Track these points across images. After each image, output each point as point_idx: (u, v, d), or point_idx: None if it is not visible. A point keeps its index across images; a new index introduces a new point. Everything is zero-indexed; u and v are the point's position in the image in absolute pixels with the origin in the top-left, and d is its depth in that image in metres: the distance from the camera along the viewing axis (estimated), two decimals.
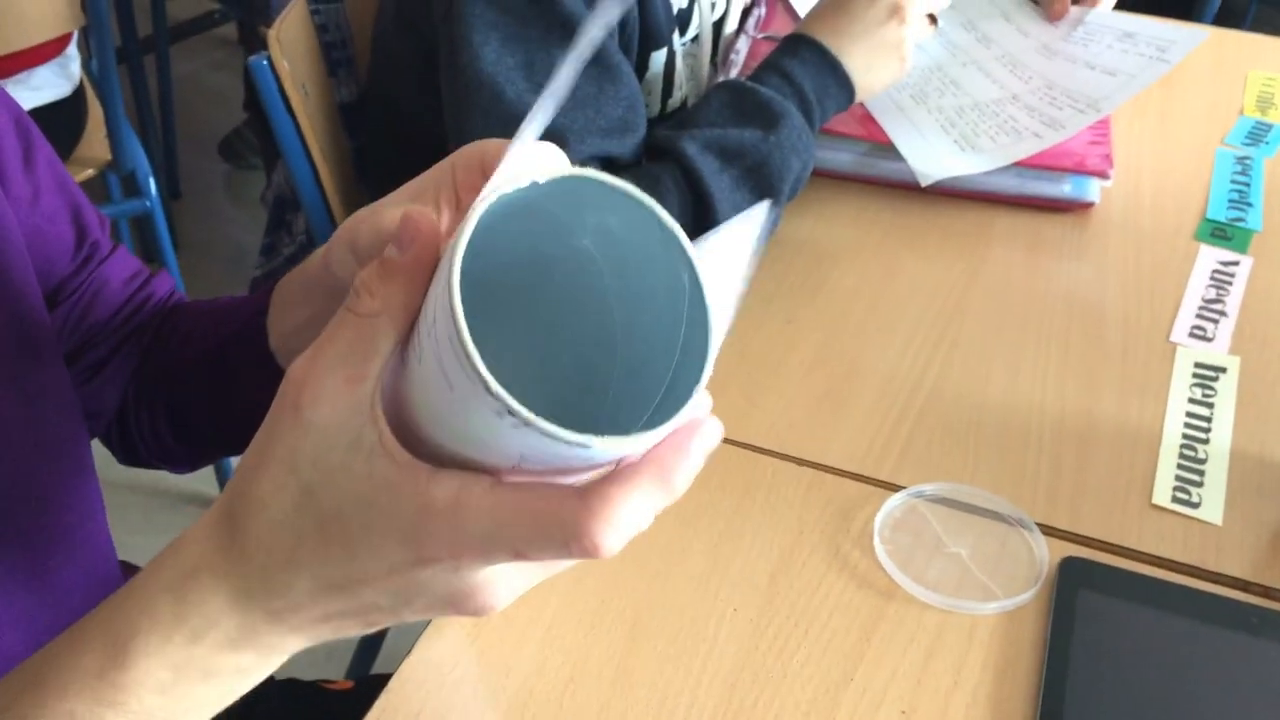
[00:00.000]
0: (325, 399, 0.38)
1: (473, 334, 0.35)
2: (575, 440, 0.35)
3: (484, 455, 0.38)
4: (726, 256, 0.41)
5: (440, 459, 0.39)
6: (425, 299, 0.38)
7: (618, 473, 0.37)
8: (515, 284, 0.42)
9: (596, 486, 0.36)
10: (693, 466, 0.37)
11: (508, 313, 0.43)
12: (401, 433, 0.39)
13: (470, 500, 0.37)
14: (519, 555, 0.37)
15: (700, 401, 0.38)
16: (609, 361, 0.43)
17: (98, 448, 0.71)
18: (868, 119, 1.09)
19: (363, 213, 0.50)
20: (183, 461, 0.78)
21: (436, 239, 0.39)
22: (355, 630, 0.42)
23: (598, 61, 0.93)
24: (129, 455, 0.78)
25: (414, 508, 0.37)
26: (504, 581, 0.41)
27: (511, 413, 0.34)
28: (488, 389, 0.34)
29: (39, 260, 0.67)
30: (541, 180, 0.37)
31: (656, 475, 0.37)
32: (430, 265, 0.39)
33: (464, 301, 0.35)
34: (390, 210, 0.48)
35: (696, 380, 0.38)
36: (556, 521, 0.36)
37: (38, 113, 1.69)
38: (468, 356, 0.34)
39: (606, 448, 0.36)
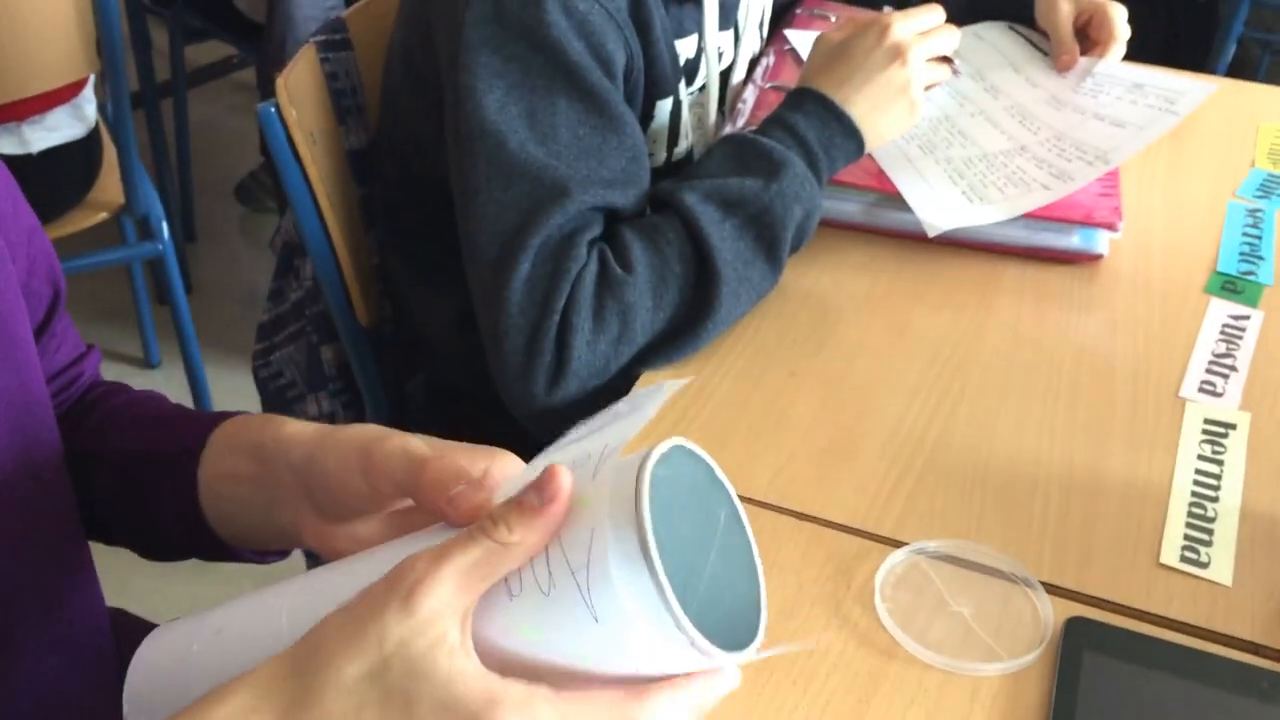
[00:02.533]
0: (435, 595, 0.44)
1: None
2: (722, 658, 0.44)
3: (586, 668, 0.45)
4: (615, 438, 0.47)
5: (506, 670, 0.45)
6: (560, 544, 0.45)
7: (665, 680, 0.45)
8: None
9: (645, 688, 0.45)
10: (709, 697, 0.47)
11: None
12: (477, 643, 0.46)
13: (540, 695, 0.44)
14: None
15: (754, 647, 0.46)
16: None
17: None
18: (875, 169, 1.09)
19: (382, 437, 0.56)
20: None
21: (567, 500, 0.45)
22: None
23: (602, 112, 0.93)
24: None
25: (483, 697, 0.43)
26: None
27: (694, 644, 0.43)
28: (678, 624, 0.43)
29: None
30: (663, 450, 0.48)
31: (697, 688, 0.46)
32: (561, 520, 0.45)
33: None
34: (415, 441, 0.55)
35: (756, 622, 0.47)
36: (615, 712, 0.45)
37: (52, 153, 1.71)
38: (662, 594, 0.42)
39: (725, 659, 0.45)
